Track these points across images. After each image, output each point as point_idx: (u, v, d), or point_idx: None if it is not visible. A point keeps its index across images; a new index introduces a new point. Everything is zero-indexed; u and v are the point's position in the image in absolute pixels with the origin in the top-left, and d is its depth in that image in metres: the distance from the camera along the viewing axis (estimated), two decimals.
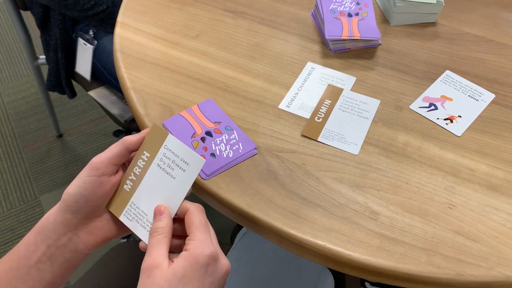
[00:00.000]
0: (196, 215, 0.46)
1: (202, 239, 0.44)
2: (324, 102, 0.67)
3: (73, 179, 0.47)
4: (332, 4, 0.76)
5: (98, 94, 1.20)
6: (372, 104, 0.66)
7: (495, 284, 0.50)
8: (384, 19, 0.81)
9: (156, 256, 0.43)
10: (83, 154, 1.66)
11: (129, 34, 0.76)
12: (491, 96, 0.69)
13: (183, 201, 0.48)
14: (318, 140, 0.62)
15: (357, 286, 1.13)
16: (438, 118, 0.65)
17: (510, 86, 0.70)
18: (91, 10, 1.06)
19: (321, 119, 0.64)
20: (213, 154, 0.60)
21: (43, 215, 0.48)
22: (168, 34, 0.76)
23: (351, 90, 0.69)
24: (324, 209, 0.55)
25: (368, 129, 0.64)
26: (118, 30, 0.76)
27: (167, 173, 0.49)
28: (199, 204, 0.47)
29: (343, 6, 0.76)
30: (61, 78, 1.24)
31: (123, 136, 1.14)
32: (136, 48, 0.73)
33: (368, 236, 0.53)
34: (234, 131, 0.63)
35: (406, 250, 0.52)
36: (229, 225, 1.49)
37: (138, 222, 0.49)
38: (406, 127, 0.64)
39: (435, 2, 0.77)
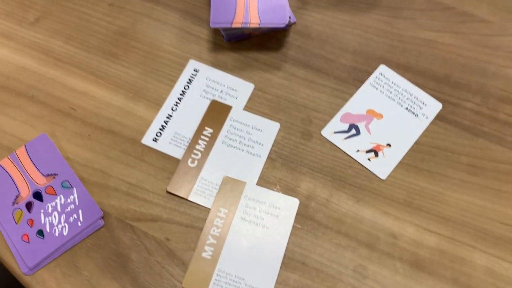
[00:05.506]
0: None
1: None
2: (204, 131, 0.48)
3: None
4: None
5: None
6: (268, 131, 0.48)
7: None
8: None
9: None
10: None
11: None
12: (438, 106, 0.50)
13: None
14: (188, 198, 0.45)
15: None
16: (358, 151, 0.47)
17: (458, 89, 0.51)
18: None
19: (196, 162, 0.46)
20: (40, 232, 0.43)
21: None
22: None
23: (244, 107, 0.49)
24: None
25: (261, 172, 0.46)
26: None
27: None
28: None
29: None
30: None
31: None
32: None
33: None
34: (74, 189, 0.45)
35: None
36: None
37: None
38: (312, 169, 0.47)
39: None
